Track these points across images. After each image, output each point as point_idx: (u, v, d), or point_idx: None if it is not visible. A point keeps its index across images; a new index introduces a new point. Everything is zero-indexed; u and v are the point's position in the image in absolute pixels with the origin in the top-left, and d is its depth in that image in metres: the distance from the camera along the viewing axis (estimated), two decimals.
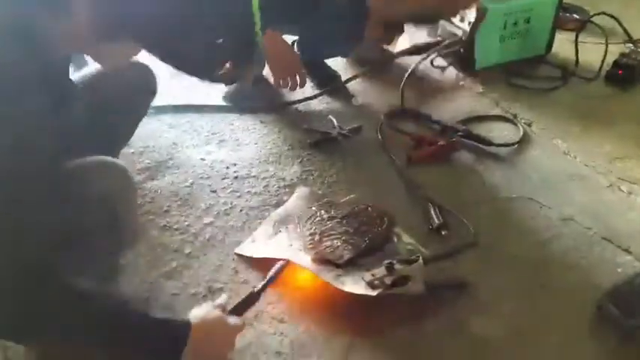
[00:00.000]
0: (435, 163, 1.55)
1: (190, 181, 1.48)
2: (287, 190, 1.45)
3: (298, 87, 1.75)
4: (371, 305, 1.10)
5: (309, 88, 1.86)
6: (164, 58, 0.76)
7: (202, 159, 1.57)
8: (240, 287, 1.19)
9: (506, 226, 1.38)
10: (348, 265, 1.18)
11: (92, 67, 1.13)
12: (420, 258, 1.15)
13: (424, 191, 1.43)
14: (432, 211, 1.37)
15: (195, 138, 1.65)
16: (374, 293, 1.08)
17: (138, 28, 0.72)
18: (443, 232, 1.32)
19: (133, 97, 1.20)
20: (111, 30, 0.72)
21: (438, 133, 1.65)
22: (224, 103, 1.80)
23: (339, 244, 1.22)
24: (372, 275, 1.11)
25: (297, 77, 1.73)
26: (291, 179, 1.50)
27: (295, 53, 1.78)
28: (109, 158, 0.91)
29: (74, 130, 0.87)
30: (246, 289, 1.13)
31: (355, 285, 1.11)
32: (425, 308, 1.13)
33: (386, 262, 1.12)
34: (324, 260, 1.19)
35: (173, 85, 1.67)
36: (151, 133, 1.64)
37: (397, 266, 1.12)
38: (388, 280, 1.11)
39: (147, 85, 1.23)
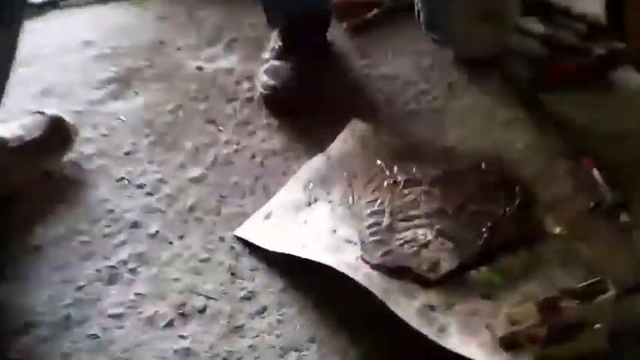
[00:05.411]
0: (582, 87, 1.00)
1: (176, 102, 0.97)
2: None
3: None
4: None
5: None
6: None
7: (199, 68, 1.05)
8: (237, 307, 0.64)
9: None
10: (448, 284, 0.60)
11: None
12: (611, 286, 0.54)
13: (577, 138, 0.83)
14: (597, 177, 0.76)
15: (194, 36, 1.13)
16: None
17: None
18: (622, 218, 0.72)
19: None
20: None
21: (585, 38, 1.11)
22: None
23: (429, 237, 0.64)
24: (512, 321, 0.52)
25: None
26: None
27: None
28: None
29: None
30: (249, 309, 0.65)
31: (468, 337, 0.53)
32: None
33: (543, 295, 0.52)
34: (398, 269, 0.61)
35: None
36: (127, 27, 1.14)
37: (565, 302, 0.53)
38: (543, 332, 0.52)
39: None
